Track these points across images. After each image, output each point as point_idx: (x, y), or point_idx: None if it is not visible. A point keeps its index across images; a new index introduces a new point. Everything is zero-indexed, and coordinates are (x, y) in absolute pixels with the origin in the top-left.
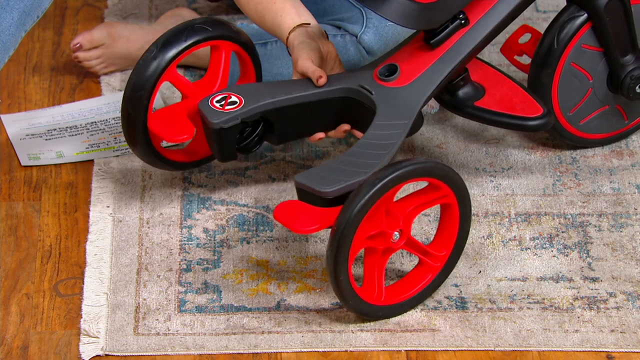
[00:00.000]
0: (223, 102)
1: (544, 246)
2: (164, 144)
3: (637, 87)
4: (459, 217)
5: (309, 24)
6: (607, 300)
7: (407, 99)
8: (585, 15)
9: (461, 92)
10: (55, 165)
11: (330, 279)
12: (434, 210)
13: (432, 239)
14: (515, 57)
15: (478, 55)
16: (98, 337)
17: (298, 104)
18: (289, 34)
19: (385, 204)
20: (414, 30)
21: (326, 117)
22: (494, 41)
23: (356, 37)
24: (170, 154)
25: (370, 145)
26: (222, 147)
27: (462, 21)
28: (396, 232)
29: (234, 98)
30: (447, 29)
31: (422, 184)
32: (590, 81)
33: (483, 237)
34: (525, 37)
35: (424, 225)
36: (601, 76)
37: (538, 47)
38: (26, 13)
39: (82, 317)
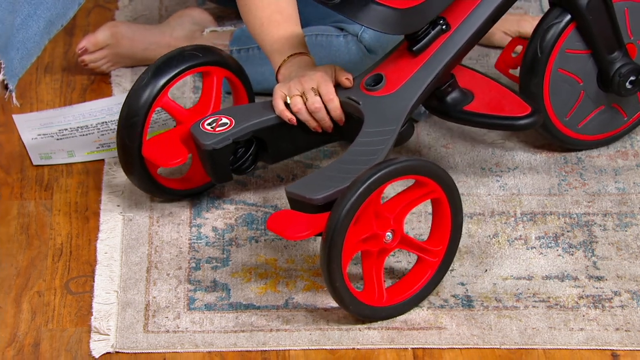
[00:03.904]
0: (214, 124)
1: (550, 245)
2: (160, 170)
3: (627, 83)
4: (450, 210)
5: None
6: (612, 299)
7: (393, 106)
8: (567, 18)
9: (449, 98)
10: (66, 164)
11: (327, 286)
12: (421, 208)
13: (425, 236)
14: (510, 71)
15: (470, 65)
16: (108, 335)
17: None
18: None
19: (373, 206)
20: None
21: (317, 132)
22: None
23: (357, 36)
24: (168, 182)
25: (358, 152)
26: (216, 169)
27: (443, 27)
28: (388, 233)
29: (224, 120)
30: (429, 35)
31: (408, 182)
32: (581, 84)
33: (489, 236)
34: (518, 49)
35: (415, 223)
36: (591, 77)
37: (523, 58)
38: (52, 22)
39: (92, 315)
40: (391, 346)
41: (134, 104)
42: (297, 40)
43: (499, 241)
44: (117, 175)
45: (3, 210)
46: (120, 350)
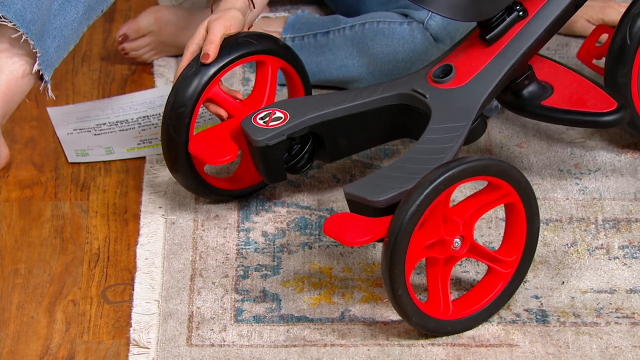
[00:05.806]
0: (267, 119)
1: (635, 255)
2: (207, 168)
3: None
4: (526, 216)
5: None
6: None
7: (464, 100)
8: None
9: (526, 92)
10: (104, 162)
11: (388, 295)
12: (492, 214)
13: (496, 244)
14: (594, 61)
15: (548, 55)
16: (148, 348)
17: (347, 116)
18: None
19: (441, 209)
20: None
21: (379, 128)
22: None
23: (423, 23)
24: (215, 181)
25: (425, 150)
26: (268, 167)
27: (520, 13)
28: (457, 239)
29: (278, 114)
30: (504, 23)
31: (481, 185)
32: None
33: (567, 244)
34: (603, 38)
35: (485, 230)
36: None
37: (610, 46)
38: (91, 7)
39: (131, 326)
40: None
41: (182, 94)
42: None
43: (577, 250)
44: (159, 174)
45: (36, 212)
46: None
